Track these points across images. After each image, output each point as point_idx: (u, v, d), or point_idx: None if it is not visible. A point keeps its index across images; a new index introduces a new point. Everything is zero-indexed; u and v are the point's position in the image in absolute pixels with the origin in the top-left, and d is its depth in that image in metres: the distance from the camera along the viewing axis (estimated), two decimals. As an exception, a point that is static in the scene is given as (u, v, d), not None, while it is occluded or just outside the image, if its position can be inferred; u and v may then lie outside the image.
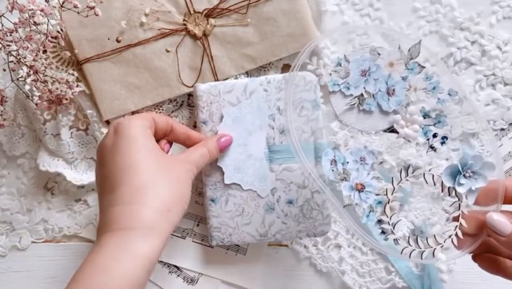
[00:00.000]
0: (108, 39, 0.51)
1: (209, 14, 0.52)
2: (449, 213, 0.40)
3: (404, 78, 0.39)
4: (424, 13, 0.54)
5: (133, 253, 0.36)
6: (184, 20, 0.52)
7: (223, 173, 0.50)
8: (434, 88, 0.40)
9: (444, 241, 0.39)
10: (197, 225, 0.55)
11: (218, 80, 0.52)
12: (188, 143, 0.48)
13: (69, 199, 0.56)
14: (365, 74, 0.39)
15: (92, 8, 0.47)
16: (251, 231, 0.51)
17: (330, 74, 0.41)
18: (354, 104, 0.38)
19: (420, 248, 0.39)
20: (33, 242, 0.56)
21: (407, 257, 0.39)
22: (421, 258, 0.39)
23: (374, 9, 0.54)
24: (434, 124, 0.42)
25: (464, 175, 0.39)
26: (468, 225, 0.39)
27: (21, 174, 0.56)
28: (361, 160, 0.41)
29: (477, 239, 0.40)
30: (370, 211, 0.40)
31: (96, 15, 0.47)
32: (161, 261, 0.55)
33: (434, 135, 0.42)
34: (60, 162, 0.54)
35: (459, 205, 0.39)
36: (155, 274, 0.55)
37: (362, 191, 0.40)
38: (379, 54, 0.38)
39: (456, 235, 0.39)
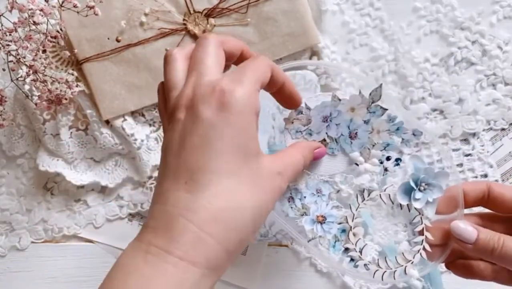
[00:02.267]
0: (108, 39, 0.51)
1: (209, 13, 0.52)
2: (413, 228, 0.40)
3: (366, 122, 0.40)
4: (425, 13, 0.54)
5: (168, 283, 0.27)
6: (184, 20, 0.52)
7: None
8: (397, 129, 0.40)
9: (414, 257, 0.39)
10: (197, 225, 0.55)
11: (218, 80, 0.52)
12: (278, 97, 0.37)
13: (68, 199, 0.55)
14: (326, 120, 0.39)
15: (91, 7, 0.47)
16: (251, 231, 0.51)
17: (292, 122, 0.41)
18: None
19: (391, 268, 0.39)
20: (32, 242, 0.56)
21: (380, 280, 0.39)
22: (394, 278, 0.39)
23: (375, 9, 0.54)
24: (384, 149, 0.41)
25: (419, 189, 0.39)
26: (435, 236, 0.39)
27: (21, 174, 0.56)
28: (318, 192, 0.41)
29: (446, 249, 0.39)
30: (335, 241, 0.40)
31: (96, 14, 0.47)
32: (161, 261, 0.55)
33: (388, 158, 0.42)
34: (60, 162, 0.53)
35: (421, 218, 0.40)
36: (155, 274, 0.55)
37: (324, 222, 0.40)
38: (339, 100, 0.39)
39: (424, 248, 0.39)
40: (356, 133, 0.40)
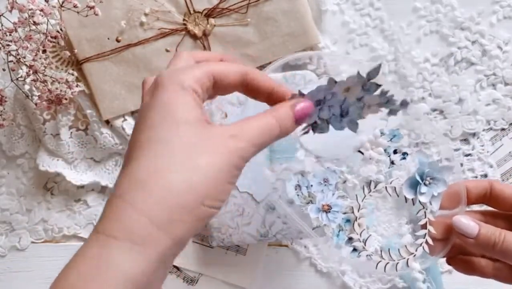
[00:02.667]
0: (108, 39, 0.51)
1: (209, 14, 0.52)
2: (416, 222, 0.40)
3: (359, 99, 0.40)
4: (425, 13, 0.54)
5: (114, 271, 0.26)
6: (184, 20, 0.52)
7: (223, 173, 0.50)
8: (387, 101, 0.41)
9: (416, 250, 0.40)
10: (197, 225, 0.55)
11: (218, 80, 0.52)
12: (271, 102, 0.34)
13: (68, 199, 0.55)
14: (320, 104, 0.39)
15: (91, 7, 0.47)
16: (252, 231, 0.51)
17: None
18: (307, 131, 0.39)
19: (394, 260, 0.40)
20: (32, 242, 0.56)
21: (383, 271, 0.40)
22: (396, 270, 0.40)
23: (375, 9, 0.54)
24: (391, 140, 0.42)
25: (424, 183, 0.40)
26: (437, 231, 0.40)
27: (21, 174, 0.56)
28: (325, 181, 0.41)
29: (447, 243, 0.40)
30: (339, 230, 0.40)
31: (96, 14, 0.47)
32: (161, 261, 0.55)
33: (395, 152, 0.42)
34: (60, 162, 0.53)
35: (425, 212, 0.40)
36: (155, 274, 0.55)
37: (329, 212, 0.40)
38: (335, 82, 0.39)
39: (427, 242, 0.40)
40: (347, 111, 0.40)
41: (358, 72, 0.38)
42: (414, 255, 0.40)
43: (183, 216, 0.27)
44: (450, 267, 0.53)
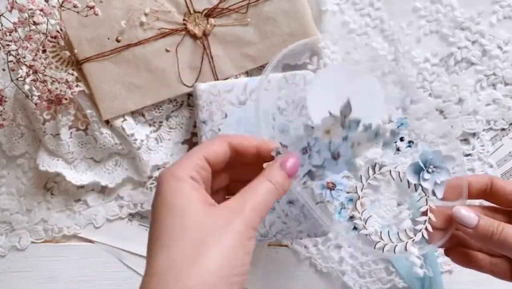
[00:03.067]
0: (108, 39, 0.51)
1: (209, 14, 0.52)
2: (418, 208, 0.41)
3: (345, 138, 0.41)
4: (425, 13, 0.54)
5: None
6: (184, 20, 0.52)
7: (223, 173, 0.50)
8: (376, 135, 0.42)
9: (415, 235, 0.41)
10: (197, 225, 0.55)
11: (218, 80, 0.52)
12: (259, 159, 0.37)
13: (68, 199, 0.55)
14: (306, 151, 0.40)
15: (91, 7, 0.47)
16: (251, 231, 0.51)
17: None
18: (305, 182, 0.39)
19: (393, 242, 0.41)
20: (32, 242, 0.56)
21: (381, 252, 0.40)
22: (394, 252, 0.41)
23: (375, 9, 0.54)
24: (398, 127, 0.43)
25: (427, 171, 0.41)
26: (437, 220, 0.41)
27: (21, 174, 0.56)
28: None
29: (446, 233, 0.41)
30: (341, 208, 0.41)
31: (96, 14, 0.47)
32: (161, 261, 0.55)
33: (401, 139, 0.43)
34: (60, 162, 0.53)
35: (426, 200, 0.41)
36: (155, 274, 0.55)
37: (334, 189, 0.41)
38: (312, 128, 0.39)
39: (426, 229, 0.40)
40: (338, 153, 0.41)
41: (330, 112, 0.39)
42: (413, 240, 0.40)
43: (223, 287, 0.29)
44: (450, 267, 0.53)
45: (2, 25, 0.46)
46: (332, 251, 0.54)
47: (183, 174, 0.33)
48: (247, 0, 0.51)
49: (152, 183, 0.54)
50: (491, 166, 0.54)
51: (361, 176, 0.42)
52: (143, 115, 0.54)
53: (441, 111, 0.54)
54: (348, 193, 0.41)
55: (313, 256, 0.54)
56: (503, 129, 0.54)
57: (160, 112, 0.54)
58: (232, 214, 0.32)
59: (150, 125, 0.54)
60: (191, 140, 0.55)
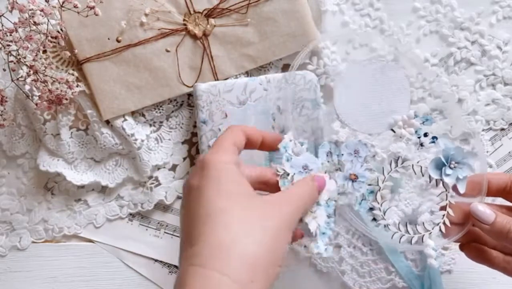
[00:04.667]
0: (108, 39, 0.51)
1: (209, 14, 0.52)
2: (437, 202, 0.43)
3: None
4: (424, 13, 0.54)
5: None
6: (184, 20, 0.52)
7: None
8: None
9: (433, 228, 0.42)
10: (197, 225, 0.55)
11: (218, 80, 0.52)
12: (264, 147, 0.42)
13: (69, 199, 0.55)
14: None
15: (92, 8, 0.47)
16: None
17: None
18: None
19: (410, 234, 0.42)
20: (33, 242, 0.56)
21: (397, 242, 0.42)
22: (411, 243, 0.42)
23: (374, 9, 0.55)
24: (423, 123, 0.44)
25: (449, 166, 0.42)
26: (455, 215, 0.42)
27: (21, 174, 0.56)
28: (355, 153, 0.43)
29: (462, 228, 0.42)
30: (362, 200, 0.43)
31: (96, 15, 0.47)
32: (161, 261, 0.55)
33: (425, 135, 0.44)
34: (60, 162, 0.54)
35: (446, 195, 0.42)
36: (155, 274, 0.55)
37: (355, 181, 0.43)
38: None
39: (444, 223, 0.42)
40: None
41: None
42: (430, 233, 0.42)
43: (261, 276, 0.31)
44: (450, 267, 0.53)
45: (2, 25, 0.46)
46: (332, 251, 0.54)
47: (230, 160, 0.35)
48: (247, 0, 0.51)
49: (152, 183, 0.54)
50: (490, 166, 0.54)
51: (383, 168, 0.43)
52: (143, 115, 0.54)
53: (441, 111, 0.54)
54: (369, 185, 0.43)
55: (313, 256, 0.54)
56: (502, 129, 0.54)
57: (160, 112, 0.54)
58: (279, 203, 0.35)
59: (150, 125, 0.54)
60: (191, 140, 0.55)
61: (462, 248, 0.45)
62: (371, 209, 0.42)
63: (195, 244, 0.31)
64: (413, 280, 0.52)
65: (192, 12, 0.52)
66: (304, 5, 0.52)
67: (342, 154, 0.43)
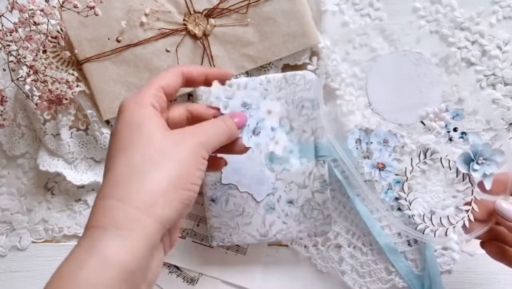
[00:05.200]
0: (108, 39, 0.51)
1: (209, 14, 0.52)
2: (463, 197, 0.43)
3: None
4: (424, 13, 0.54)
5: (102, 259, 0.30)
6: (184, 20, 0.52)
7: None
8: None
9: (457, 222, 0.42)
10: (197, 225, 0.55)
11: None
12: (207, 83, 0.43)
13: (69, 199, 0.56)
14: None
15: (92, 8, 0.47)
16: (252, 231, 0.51)
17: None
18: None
19: (434, 226, 0.43)
20: (33, 242, 0.56)
21: (421, 233, 0.43)
22: (434, 236, 0.43)
23: (374, 9, 0.54)
24: (453, 118, 0.45)
25: (477, 162, 0.42)
26: (479, 211, 0.43)
27: (21, 174, 0.56)
28: (384, 142, 0.44)
29: (485, 225, 0.43)
30: (388, 189, 0.43)
31: (96, 15, 0.47)
32: (161, 261, 0.55)
33: (455, 130, 0.45)
34: (60, 162, 0.54)
35: (472, 190, 0.43)
36: (155, 274, 0.55)
37: (383, 170, 0.43)
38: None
39: (468, 218, 0.42)
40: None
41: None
42: (454, 227, 0.42)
43: (162, 199, 0.32)
44: (449, 267, 0.53)
45: (2, 25, 0.46)
46: (332, 251, 0.54)
47: (145, 101, 0.36)
48: (247, 1, 0.51)
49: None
50: (490, 166, 0.54)
51: (411, 159, 0.44)
52: (143, 115, 0.54)
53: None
54: (396, 175, 0.43)
55: (313, 256, 0.54)
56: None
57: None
58: (187, 134, 0.36)
59: (150, 125, 0.54)
60: (191, 141, 0.55)
61: (483, 245, 0.45)
62: (397, 198, 0.43)
63: (104, 177, 0.34)
64: (413, 280, 0.52)
65: (192, 12, 0.52)
66: (304, 5, 0.52)
67: (371, 142, 0.44)
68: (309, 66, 0.53)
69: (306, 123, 0.49)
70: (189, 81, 0.41)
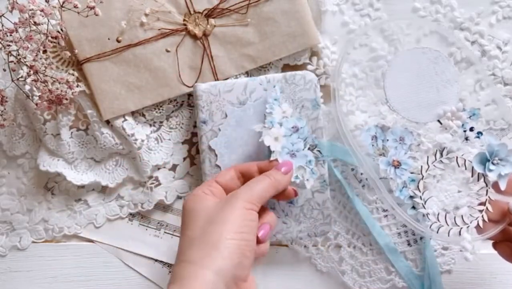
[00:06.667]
0: (108, 39, 0.51)
1: (209, 14, 0.52)
2: (477, 197, 0.43)
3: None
4: (424, 13, 0.54)
5: None
6: (184, 20, 0.52)
7: (223, 173, 0.50)
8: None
9: (471, 222, 0.42)
10: (197, 225, 0.55)
11: (218, 80, 0.52)
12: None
13: (69, 199, 0.56)
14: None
15: (92, 8, 0.47)
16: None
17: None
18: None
19: (448, 226, 0.43)
20: (33, 242, 0.56)
21: (435, 233, 0.43)
22: (448, 235, 0.43)
23: (374, 9, 0.55)
24: (470, 117, 0.46)
25: (492, 162, 0.43)
26: (493, 211, 0.43)
27: (21, 174, 0.56)
28: (400, 140, 0.44)
29: (498, 225, 0.43)
30: (403, 187, 0.43)
31: (96, 15, 0.47)
32: (161, 261, 0.55)
33: (471, 129, 0.45)
34: (60, 162, 0.54)
35: (487, 191, 0.43)
36: (155, 274, 0.55)
37: (398, 168, 0.43)
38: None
39: (482, 218, 0.42)
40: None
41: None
42: (468, 226, 0.42)
43: (214, 252, 0.37)
44: (449, 267, 0.53)
45: (2, 25, 0.46)
46: (332, 251, 0.54)
47: (199, 191, 0.43)
48: (247, 1, 0.51)
49: (153, 183, 0.55)
50: (490, 166, 0.54)
51: (427, 157, 0.44)
52: (143, 115, 0.54)
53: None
54: (412, 173, 0.43)
55: (313, 256, 0.54)
56: (502, 129, 0.54)
57: (160, 112, 0.54)
58: (230, 197, 0.41)
59: (150, 125, 0.54)
60: (191, 140, 0.55)
61: (495, 246, 0.45)
62: (412, 197, 0.43)
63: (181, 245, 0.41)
64: (413, 280, 0.52)
65: (192, 12, 0.52)
66: (304, 5, 0.52)
67: (387, 140, 0.44)
68: (309, 66, 0.53)
69: (306, 123, 0.49)
70: (245, 174, 0.46)
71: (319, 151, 0.47)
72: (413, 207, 0.43)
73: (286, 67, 0.54)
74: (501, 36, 0.54)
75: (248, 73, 0.53)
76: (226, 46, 0.52)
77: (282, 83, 0.50)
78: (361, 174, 0.50)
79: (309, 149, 0.47)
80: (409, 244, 0.53)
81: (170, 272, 0.55)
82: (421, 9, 0.54)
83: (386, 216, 0.51)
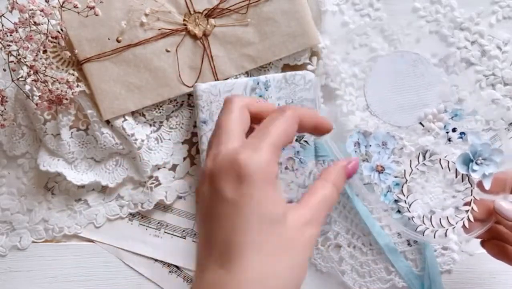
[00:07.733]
0: (108, 39, 0.51)
1: (209, 14, 0.52)
2: (462, 198, 0.43)
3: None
4: (424, 13, 0.54)
5: None
6: (184, 20, 0.52)
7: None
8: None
9: (456, 223, 0.42)
10: (197, 225, 0.55)
11: (218, 80, 0.52)
12: (316, 132, 0.38)
13: (69, 199, 0.56)
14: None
15: (92, 8, 0.47)
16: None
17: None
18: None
19: (434, 228, 0.43)
20: (33, 242, 0.56)
21: (421, 235, 0.43)
22: (434, 237, 0.43)
23: (374, 9, 0.55)
24: (452, 118, 0.46)
25: (476, 162, 0.42)
26: (478, 211, 0.43)
27: (21, 174, 0.56)
28: (383, 144, 0.44)
29: (485, 225, 0.43)
30: (387, 191, 0.43)
31: (96, 15, 0.47)
32: (161, 261, 0.55)
33: (454, 130, 0.45)
34: (60, 162, 0.54)
35: (471, 191, 0.43)
36: (155, 274, 0.55)
37: (382, 172, 0.43)
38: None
39: (468, 218, 0.42)
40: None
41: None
42: (454, 227, 0.42)
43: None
44: (449, 267, 0.53)
45: (2, 25, 0.46)
46: (332, 251, 0.54)
47: (275, 175, 0.32)
48: (247, 1, 0.51)
49: (153, 183, 0.55)
50: (490, 166, 0.54)
51: (410, 161, 0.44)
52: (143, 115, 0.54)
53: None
54: (395, 177, 0.43)
55: (313, 256, 0.54)
56: (504, 129, 0.54)
57: (160, 112, 0.54)
58: (303, 228, 0.32)
59: (150, 125, 0.54)
60: (191, 140, 0.55)
61: (483, 244, 0.45)
62: (396, 201, 0.43)
63: (226, 268, 0.30)
64: (413, 280, 0.52)
65: (192, 12, 0.52)
66: (304, 5, 0.52)
67: (370, 145, 0.44)
68: (309, 66, 0.53)
69: (306, 123, 0.49)
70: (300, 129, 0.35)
71: (306, 141, 0.48)
72: (398, 211, 0.43)
73: (286, 67, 0.54)
74: (501, 36, 0.54)
75: (248, 73, 0.53)
76: (226, 46, 0.52)
77: (282, 83, 0.50)
78: (361, 173, 0.50)
79: (296, 140, 0.47)
80: (409, 244, 0.53)
81: (170, 272, 0.55)
82: (421, 9, 0.54)
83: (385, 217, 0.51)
